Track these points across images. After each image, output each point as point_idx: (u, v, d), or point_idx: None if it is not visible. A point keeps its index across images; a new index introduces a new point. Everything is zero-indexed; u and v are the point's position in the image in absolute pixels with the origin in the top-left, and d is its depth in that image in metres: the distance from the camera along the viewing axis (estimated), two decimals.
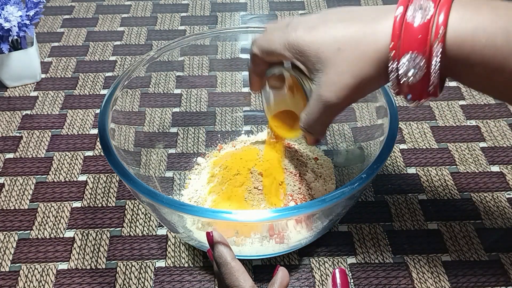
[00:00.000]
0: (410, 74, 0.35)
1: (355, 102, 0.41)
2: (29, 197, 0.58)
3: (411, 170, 0.61)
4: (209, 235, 0.39)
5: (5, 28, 0.66)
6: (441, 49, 0.34)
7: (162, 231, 0.55)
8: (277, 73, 0.46)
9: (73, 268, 0.52)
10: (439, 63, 0.34)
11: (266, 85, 0.49)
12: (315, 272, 0.51)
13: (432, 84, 0.35)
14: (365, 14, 0.38)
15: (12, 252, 0.53)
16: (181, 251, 0.53)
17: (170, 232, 0.55)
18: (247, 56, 0.69)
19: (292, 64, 0.43)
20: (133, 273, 0.51)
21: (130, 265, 0.52)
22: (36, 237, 0.54)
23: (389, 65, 0.36)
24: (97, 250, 0.53)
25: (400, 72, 0.35)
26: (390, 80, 0.37)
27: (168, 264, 0.52)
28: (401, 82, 0.36)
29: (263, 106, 0.51)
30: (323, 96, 0.38)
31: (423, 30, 0.34)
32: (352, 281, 0.50)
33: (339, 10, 0.39)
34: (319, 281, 0.50)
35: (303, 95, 0.44)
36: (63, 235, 0.55)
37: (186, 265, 0.52)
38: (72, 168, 0.62)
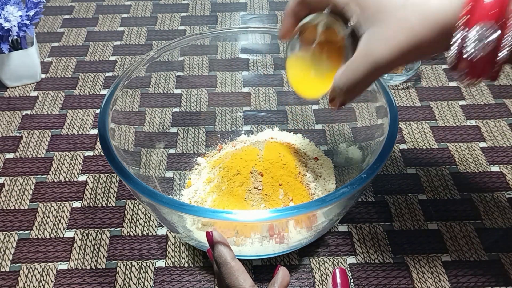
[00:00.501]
0: (477, 47, 0.33)
1: (403, 64, 0.40)
2: (29, 197, 0.58)
3: (411, 170, 0.61)
4: (209, 235, 0.39)
5: (5, 28, 0.66)
6: None
7: (162, 231, 0.55)
8: (315, 21, 0.42)
9: (73, 268, 0.52)
10: None
11: (295, 37, 0.44)
12: (315, 272, 0.51)
13: (499, 61, 0.33)
14: None
15: (12, 252, 0.53)
16: (181, 251, 0.53)
17: (170, 232, 0.55)
18: (247, 56, 0.70)
19: (332, 16, 0.40)
20: (133, 273, 0.51)
21: (130, 265, 0.52)
22: (36, 237, 0.54)
23: (454, 33, 0.33)
24: (97, 250, 0.53)
25: (466, 44, 0.33)
26: (450, 51, 0.34)
27: (168, 264, 0.52)
28: (464, 56, 0.33)
29: (286, 55, 0.46)
30: (375, 51, 0.36)
31: (500, 1, 0.32)
32: (352, 281, 0.50)
33: None
34: (319, 281, 0.50)
35: (334, 54, 0.41)
36: (63, 235, 0.55)
37: (186, 265, 0.52)
38: (72, 168, 0.62)
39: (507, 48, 0.32)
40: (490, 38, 0.32)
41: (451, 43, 0.34)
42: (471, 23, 0.33)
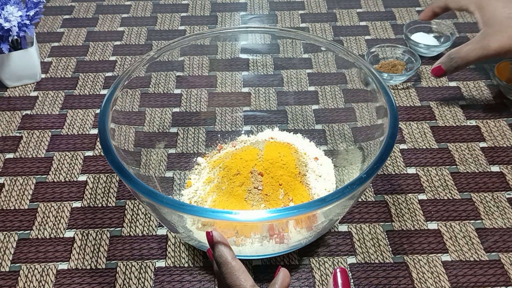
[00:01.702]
0: None
1: (499, 57, 0.61)
2: (29, 197, 0.58)
3: (411, 170, 0.61)
4: (209, 235, 0.39)
5: (5, 28, 0.66)
6: None
7: (162, 231, 0.55)
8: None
9: (73, 268, 0.52)
10: None
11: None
12: (315, 272, 0.51)
13: None
14: None
15: (12, 252, 0.53)
16: (181, 251, 0.53)
17: (170, 232, 0.55)
18: (247, 56, 0.70)
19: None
20: (133, 273, 0.51)
21: (130, 265, 0.52)
22: (36, 237, 0.54)
23: None
24: (97, 250, 0.53)
25: None
26: None
27: (168, 264, 0.52)
28: None
29: None
30: (486, 42, 0.60)
31: None
32: (352, 281, 0.50)
33: None
34: (319, 281, 0.50)
35: None
36: (63, 235, 0.55)
37: (186, 265, 0.52)
38: (72, 168, 0.62)
39: None
40: None
41: None
42: None
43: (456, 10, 0.68)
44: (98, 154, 0.64)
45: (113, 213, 0.57)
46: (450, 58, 0.63)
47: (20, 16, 0.67)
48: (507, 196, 0.58)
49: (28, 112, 0.69)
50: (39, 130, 0.67)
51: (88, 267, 0.52)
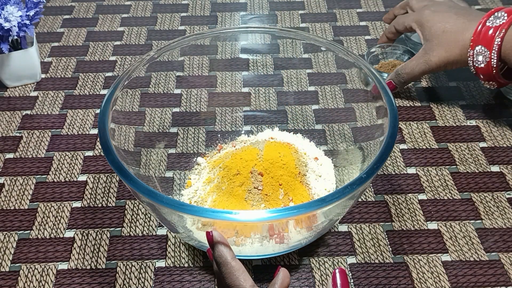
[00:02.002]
0: (479, 59, 0.59)
1: (441, 70, 0.65)
2: (29, 197, 0.58)
3: (411, 170, 0.61)
4: (208, 235, 0.39)
5: (5, 28, 0.66)
6: (498, 44, 0.57)
7: (162, 231, 0.55)
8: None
9: (73, 268, 0.52)
10: (496, 54, 0.57)
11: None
12: (315, 272, 0.51)
13: (493, 68, 0.58)
14: (471, 13, 0.62)
15: (12, 252, 0.53)
16: (181, 251, 0.53)
17: (170, 232, 0.55)
18: (247, 56, 0.70)
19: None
20: (133, 273, 0.51)
21: (130, 265, 0.52)
22: (36, 237, 0.54)
23: (468, 51, 0.60)
24: (97, 250, 0.53)
25: (473, 58, 0.59)
26: (469, 62, 0.60)
27: (168, 264, 0.52)
28: (475, 65, 0.59)
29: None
30: (428, 56, 0.63)
31: (493, 32, 0.57)
32: (352, 281, 0.50)
33: (457, 6, 0.65)
34: (319, 281, 0.50)
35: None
36: (63, 235, 0.55)
37: (186, 265, 0.52)
38: (72, 168, 0.62)
39: (493, 61, 0.58)
40: (485, 54, 0.58)
41: (469, 55, 0.60)
42: (475, 44, 0.59)
43: (404, 31, 0.69)
44: (98, 154, 0.64)
45: (113, 213, 0.57)
46: (398, 74, 0.66)
47: (20, 16, 0.67)
48: (507, 196, 0.58)
49: (28, 112, 0.69)
50: (39, 130, 0.67)
51: (88, 267, 0.52)
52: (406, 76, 0.65)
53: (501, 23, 0.57)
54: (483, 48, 0.58)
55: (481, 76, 0.60)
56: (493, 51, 0.57)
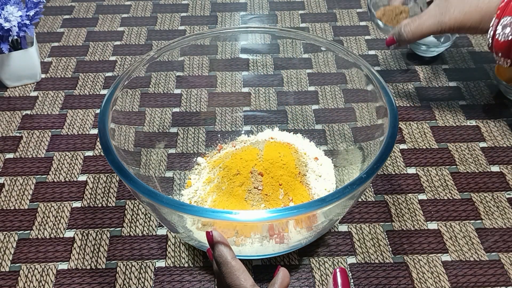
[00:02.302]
0: (506, 32, 0.52)
1: (453, 32, 0.57)
2: (29, 197, 0.58)
3: (411, 170, 0.61)
4: (208, 235, 0.39)
5: (5, 28, 0.66)
6: None
7: (162, 231, 0.55)
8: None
9: (73, 268, 0.52)
10: None
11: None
12: (315, 272, 0.51)
13: None
14: None
15: (12, 252, 0.53)
16: (181, 251, 0.53)
17: (170, 232, 0.55)
18: (247, 56, 0.70)
19: None
20: (133, 273, 0.51)
21: (130, 265, 0.52)
22: (36, 237, 0.54)
23: (492, 20, 0.53)
24: (97, 250, 0.53)
25: (498, 28, 0.52)
26: (488, 33, 0.54)
27: (168, 264, 0.52)
28: (496, 37, 0.53)
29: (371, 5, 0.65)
30: (440, 16, 0.56)
31: None
32: (352, 281, 0.50)
33: None
34: (319, 281, 0.50)
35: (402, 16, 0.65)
36: (63, 235, 0.55)
37: (186, 265, 0.52)
38: (72, 168, 0.62)
39: None
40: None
41: (491, 25, 0.53)
42: (504, 14, 0.51)
43: None
44: (98, 154, 0.64)
45: (113, 213, 0.57)
46: (401, 30, 0.60)
47: (20, 16, 0.67)
48: (507, 196, 0.58)
49: (28, 112, 0.69)
50: (39, 130, 0.67)
51: (88, 267, 0.52)
52: (411, 34, 0.58)
53: None
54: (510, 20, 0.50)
55: (498, 52, 0.54)
56: None
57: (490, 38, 0.54)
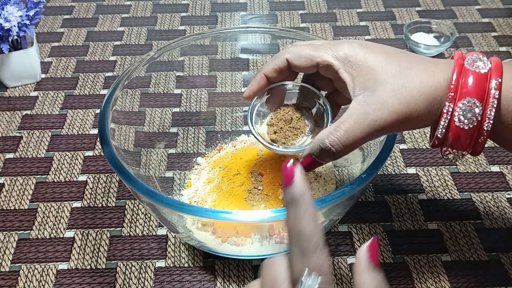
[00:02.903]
0: (466, 117, 0.37)
1: (395, 131, 0.40)
2: (29, 197, 0.58)
3: (411, 170, 0.61)
4: (289, 178, 0.29)
5: (5, 28, 0.66)
6: (497, 95, 0.37)
7: (162, 231, 0.55)
8: (289, 88, 0.46)
9: (73, 268, 0.52)
10: (494, 109, 0.37)
11: (262, 97, 0.46)
12: None
13: (485, 132, 0.37)
14: (423, 57, 0.40)
15: (12, 252, 0.53)
16: (181, 251, 0.53)
17: (170, 232, 0.55)
18: (247, 56, 0.70)
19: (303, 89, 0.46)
20: (133, 273, 0.51)
21: (130, 265, 0.52)
22: (36, 237, 0.54)
23: (444, 106, 0.38)
24: (97, 250, 0.53)
25: (456, 115, 0.37)
26: (441, 122, 0.38)
27: (168, 264, 0.52)
28: (455, 124, 0.38)
29: (250, 114, 0.46)
30: (372, 113, 0.38)
31: (482, 78, 0.37)
32: (352, 281, 0.50)
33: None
34: None
35: (300, 125, 0.46)
36: (63, 235, 0.55)
37: (186, 265, 0.52)
38: (72, 168, 0.62)
39: (488, 121, 0.37)
40: (476, 111, 0.37)
41: (444, 112, 0.38)
42: (459, 98, 0.37)
43: (302, 69, 0.43)
44: (98, 154, 0.64)
45: (113, 213, 0.57)
46: (322, 145, 0.40)
47: (20, 16, 0.67)
48: (507, 196, 0.58)
49: (28, 112, 0.69)
50: (39, 130, 0.67)
51: (88, 267, 0.52)
52: (341, 144, 0.39)
53: (487, 68, 0.38)
54: (472, 101, 0.37)
55: (455, 143, 0.39)
56: (492, 102, 0.37)
57: (444, 126, 0.38)
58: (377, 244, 0.30)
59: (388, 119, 0.38)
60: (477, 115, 0.37)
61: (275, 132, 0.46)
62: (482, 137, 0.38)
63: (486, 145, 0.63)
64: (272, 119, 0.46)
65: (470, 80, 0.37)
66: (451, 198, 0.58)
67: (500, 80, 0.37)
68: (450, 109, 0.38)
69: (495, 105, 0.37)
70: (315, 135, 0.44)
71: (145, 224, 0.56)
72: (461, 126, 0.38)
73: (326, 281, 0.28)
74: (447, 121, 0.38)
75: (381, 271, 0.29)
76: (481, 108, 0.37)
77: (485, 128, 0.38)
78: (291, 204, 0.29)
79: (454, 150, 0.39)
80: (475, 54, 0.39)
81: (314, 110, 0.46)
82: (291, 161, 0.30)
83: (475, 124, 0.37)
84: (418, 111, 0.38)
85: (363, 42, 0.41)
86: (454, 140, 0.38)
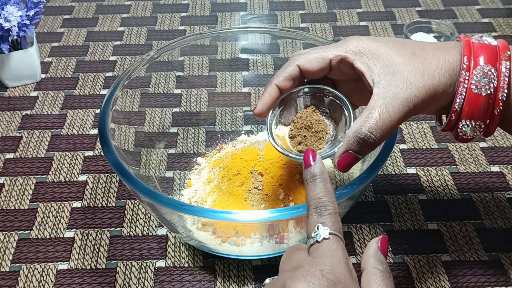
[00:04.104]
0: (482, 82, 0.38)
1: (425, 111, 0.40)
2: (29, 197, 0.58)
3: (411, 170, 0.61)
4: (309, 160, 0.35)
5: (5, 28, 0.66)
6: (509, 66, 0.38)
7: (162, 231, 0.55)
8: (299, 94, 0.44)
9: (73, 268, 0.52)
10: (508, 78, 0.38)
11: (275, 111, 0.44)
12: None
13: (500, 102, 0.38)
14: (430, 41, 0.41)
15: (12, 252, 0.53)
16: (181, 251, 0.53)
17: (170, 232, 0.55)
18: (247, 56, 0.70)
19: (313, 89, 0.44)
20: (133, 273, 0.51)
21: (130, 265, 0.52)
22: (36, 237, 0.54)
23: (461, 75, 0.38)
24: (97, 250, 0.53)
25: (472, 82, 0.38)
26: (458, 92, 0.39)
27: (168, 264, 0.52)
28: (473, 91, 0.38)
29: (269, 132, 0.44)
30: (400, 94, 0.38)
31: (493, 49, 0.39)
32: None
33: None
34: None
35: (322, 126, 0.44)
36: (63, 235, 0.55)
37: (186, 265, 0.52)
38: (72, 168, 0.62)
39: (504, 90, 0.38)
40: (491, 76, 0.38)
41: (461, 81, 0.39)
42: (474, 66, 0.38)
43: (317, 72, 0.42)
44: (98, 154, 0.63)
45: (113, 213, 0.57)
46: (360, 135, 0.38)
47: (20, 16, 0.67)
48: (507, 196, 0.58)
49: (28, 112, 0.69)
50: (39, 130, 0.67)
51: (88, 267, 0.52)
52: (380, 130, 0.38)
53: (495, 43, 0.40)
54: (489, 67, 0.38)
55: (472, 114, 0.39)
56: (502, 75, 0.38)
57: (461, 98, 0.39)
58: (387, 241, 0.35)
59: (418, 95, 0.38)
60: (492, 80, 0.38)
61: (299, 144, 0.44)
62: (497, 109, 0.39)
63: (486, 145, 0.63)
64: (292, 130, 0.44)
65: (482, 50, 0.39)
66: (451, 198, 0.58)
67: (509, 53, 0.39)
68: (467, 78, 0.38)
69: (507, 75, 0.38)
70: (339, 132, 0.43)
71: (145, 224, 0.56)
72: (478, 93, 0.38)
73: (338, 235, 0.32)
74: (464, 89, 0.38)
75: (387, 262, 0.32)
76: (495, 74, 0.38)
77: (500, 98, 0.38)
78: (311, 180, 0.34)
79: (472, 122, 0.39)
80: (479, 34, 0.41)
81: (330, 109, 0.44)
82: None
83: (492, 90, 0.38)
84: (443, 84, 0.39)
85: (369, 36, 0.42)
86: (472, 108, 0.39)
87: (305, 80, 0.44)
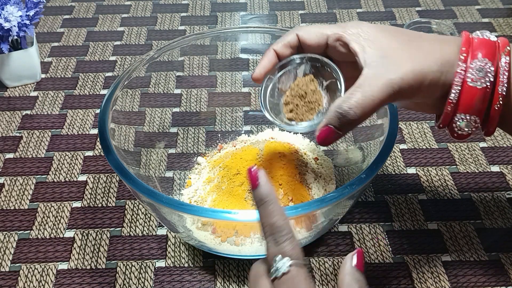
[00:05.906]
0: (478, 76, 0.38)
1: (410, 97, 0.40)
2: (29, 197, 0.58)
3: (411, 170, 0.61)
4: (254, 181, 0.33)
5: (5, 28, 0.66)
6: (509, 60, 0.38)
7: (162, 231, 0.55)
8: (298, 62, 0.44)
9: (73, 268, 0.52)
10: (507, 73, 0.38)
11: (274, 76, 0.45)
12: (315, 272, 0.51)
13: (500, 96, 0.38)
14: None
15: (12, 252, 0.53)
16: (181, 251, 0.53)
17: (170, 232, 0.55)
18: (247, 56, 0.70)
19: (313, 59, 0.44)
20: (133, 273, 0.51)
21: (130, 265, 0.52)
22: (36, 237, 0.54)
23: (458, 67, 0.38)
24: (97, 250, 0.53)
25: (468, 75, 0.38)
26: (454, 83, 0.38)
27: (168, 264, 0.52)
28: (468, 83, 0.38)
29: (262, 97, 0.46)
30: (386, 74, 0.38)
31: (492, 44, 0.39)
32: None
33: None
34: (319, 281, 0.50)
35: (316, 97, 0.43)
36: (63, 235, 0.55)
37: (186, 265, 0.52)
38: (72, 168, 0.62)
39: (504, 84, 0.38)
40: (487, 70, 0.38)
41: (457, 72, 0.38)
42: (471, 58, 0.38)
43: (315, 46, 0.43)
44: (98, 154, 0.64)
45: (113, 213, 0.57)
46: (341, 111, 0.38)
47: (20, 16, 0.67)
48: (507, 196, 0.58)
49: (28, 112, 0.69)
50: (39, 130, 0.67)
51: (88, 267, 0.52)
52: (360, 108, 0.38)
53: (495, 39, 0.40)
54: (486, 61, 0.38)
55: (468, 107, 0.39)
56: (501, 69, 0.38)
57: (457, 90, 0.38)
58: (363, 255, 0.35)
59: (404, 78, 0.38)
60: (489, 74, 0.38)
61: (291, 111, 0.44)
62: (497, 104, 0.38)
63: (486, 145, 0.63)
64: (287, 97, 0.44)
65: (481, 44, 0.39)
66: (451, 198, 0.58)
67: (508, 48, 0.38)
68: (464, 69, 0.38)
69: (507, 69, 0.38)
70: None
71: (145, 224, 0.56)
72: (474, 86, 0.38)
73: (297, 264, 0.32)
74: (460, 80, 0.38)
75: (364, 276, 0.33)
76: (492, 68, 0.38)
77: (500, 92, 0.38)
78: (260, 203, 0.33)
79: (467, 115, 0.39)
80: (480, 30, 0.41)
81: (327, 82, 0.44)
82: (255, 166, 0.33)
83: (488, 84, 0.38)
84: (432, 72, 0.38)
85: (370, 23, 0.42)
86: (467, 100, 0.38)
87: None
